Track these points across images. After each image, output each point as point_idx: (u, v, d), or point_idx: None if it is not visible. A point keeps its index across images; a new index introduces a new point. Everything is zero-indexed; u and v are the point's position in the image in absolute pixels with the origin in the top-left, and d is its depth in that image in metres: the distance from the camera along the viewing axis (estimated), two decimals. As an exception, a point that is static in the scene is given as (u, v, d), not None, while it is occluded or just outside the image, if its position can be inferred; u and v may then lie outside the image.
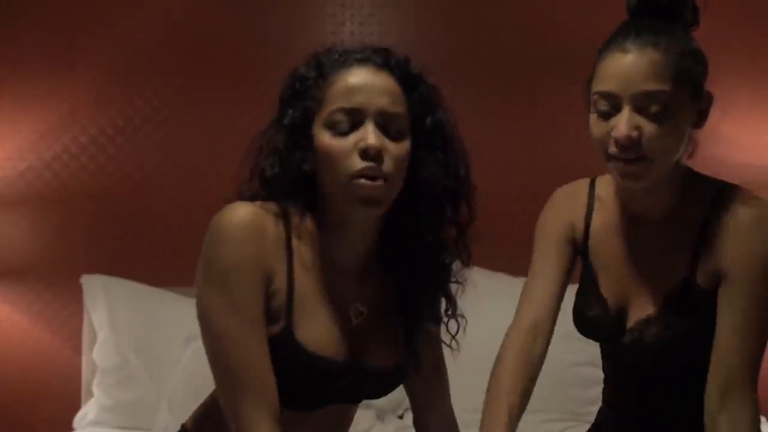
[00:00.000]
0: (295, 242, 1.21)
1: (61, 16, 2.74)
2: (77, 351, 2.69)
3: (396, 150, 1.18)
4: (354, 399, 1.30)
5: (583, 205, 1.53)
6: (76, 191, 2.75)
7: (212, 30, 2.74)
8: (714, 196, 1.42)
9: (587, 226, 1.52)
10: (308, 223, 1.23)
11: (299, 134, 1.20)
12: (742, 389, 1.33)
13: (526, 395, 1.43)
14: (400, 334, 1.30)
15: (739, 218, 1.38)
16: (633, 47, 1.33)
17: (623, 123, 1.32)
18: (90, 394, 2.59)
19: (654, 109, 1.32)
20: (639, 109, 1.33)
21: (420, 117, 1.22)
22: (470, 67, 2.79)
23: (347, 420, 1.34)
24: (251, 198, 1.21)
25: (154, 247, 2.68)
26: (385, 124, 1.18)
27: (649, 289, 1.45)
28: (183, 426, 1.35)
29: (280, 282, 1.18)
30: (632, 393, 1.53)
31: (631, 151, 1.33)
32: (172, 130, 2.75)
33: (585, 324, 1.52)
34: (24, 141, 2.74)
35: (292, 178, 1.20)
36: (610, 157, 1.36)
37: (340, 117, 1.17)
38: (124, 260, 2.71)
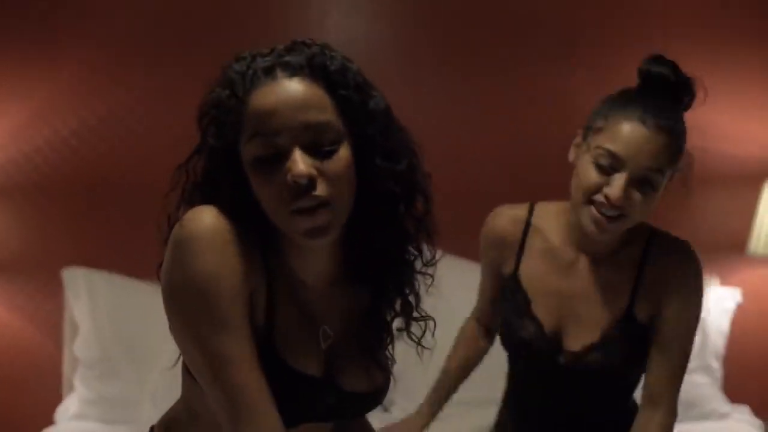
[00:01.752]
0: (267, 250, 1.11)
1: (41, 6, 2.69)
2: (59, 344, 2.67)
3: (332, 167, 1.05)
4: (331, 418, 1.22)
5: (520, 230, 1.68)
6: (58, 184, 2.72)
7: (195, 21, 2.72)
8: (648, 239, 1.62)
9: (521, 249, 1.67)
10: (271, 236, 1.12)
11: (225, 163, 1.08)
12: (668, 401, 1.60)
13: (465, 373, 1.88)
14: (373, 355, 1.23)
15: (671, 264, 1.58)
16: (652, 124, 1.47)
17: (620, 188, 1.47)
18: (71, 388, 2.57)
19: (648, 183, 1.49)
20: (636, 180, 1.48)
21: (353, 115, 1.08)
22: (456, 52, 2.78)
23: None
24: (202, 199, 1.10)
25: (136, 240, 2.62)
26: (315, 139, 1.05)
27: (589, 319, 1.61)
28: (151, 431, 1.29)
29: (260, 292, 1.09)
30: (551, 406, 1.69)
31: (614, 210, 1.49)
32: (155, 122, 2.73)
33: (516, 343, 1.67)
34: (3, 132, 2.70)
35: (238, 202, 1.08)
36: (590, 203, 1.50)
37: (260, 149, 1.04)
38: (106, 253, 2.69)
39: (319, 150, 1.05)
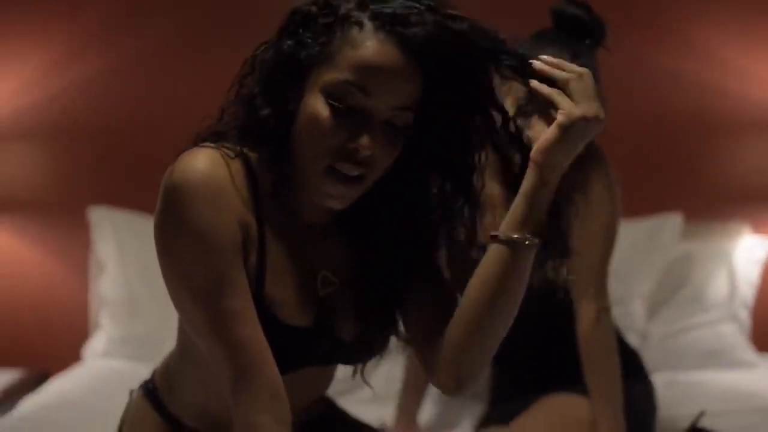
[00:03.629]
0: (262, 193, 1.06)
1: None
2: (85, 283, 2.70)
3: (386, 152, 1.02)
4: (326, 363, 1.19)
5: None
6: (83, 125, 2.73)
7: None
8: None
9: None
10: (273, 173, 1.06)
11: (290, 68, 1.01)
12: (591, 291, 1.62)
13: None
14: (375, 303, 1.16)
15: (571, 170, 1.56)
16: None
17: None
18: (98, 326, 2.60)
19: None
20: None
21: (435, 100, 1.03)
22: None
23: (325, 380, 1.26)
24: (209, 139, 1.06)
25: (160, 180, 2.64)
26: (392, 119, 1.01)
27: None
28: (152, 374, 1.29)
29: (252, 238, 1.05)
30: (518, 343, 1.61)
31: None
32: (181, 64, 2.72)
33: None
34: (31, 74, 2.71)
35: (275, 120, 1.03)
36: None
37: (346, 91, 0.99)
38: (132, 192, 2.68)
39: (389, 125, 1.02)
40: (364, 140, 0.99)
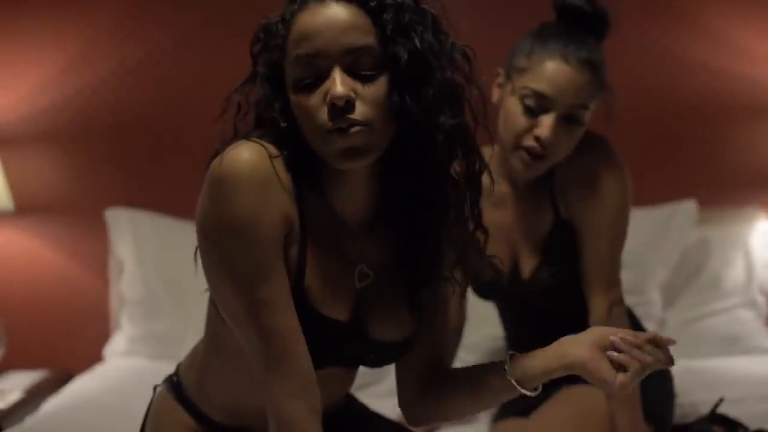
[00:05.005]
0: (304, 188, 1.09)
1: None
2: (106, 284, 2.73)
3: (370, 92, 1.03)
4: (354, 364, 1.23)
5: None
6: (99, 126, 2.75)
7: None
8: None
9: None
10: (309, 170, 1.10)
11: (274, 90, 1.09)
12: (604, 281, 1.60)
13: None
14: (407, 303, 1.20)
15: (578, 159, 1.59)
16: (574, 60, 1.50)
17: (550, 129, 1.51)
18: (119, 325, 2.63)
19: (574, 119, 1.53)
20: (564, 118, 1.51)
21: (394, 45, 1.04)
22: None
23: (347, 383, 1.29)
24: (251, 134, 1.10)
25: (177, 179, 2.66)
26: (355, 62, 1.03)
27: (530, 241, 1.66)
28: (177, 369, 1.32)
29: (295, 231, 1.07)
30: (537, 335, 1.68)
31: (544, 150, 1.52)
32: (193, 62, 2.73)
33: (484, 288, 1.73)
34: (45, 77, 2.73)
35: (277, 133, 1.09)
36: (520, 148, 1.54)
37: (301, 70, 1.04)
38: (148, 193, 2.73)
39: (358, 74, 1.04)
40: (333, 90, 1.02)
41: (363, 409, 1.40)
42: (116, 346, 2.57)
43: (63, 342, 2.79)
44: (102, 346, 2.62)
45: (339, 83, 1.01)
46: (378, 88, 1.04)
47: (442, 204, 1.14)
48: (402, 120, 1.05)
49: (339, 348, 1.15)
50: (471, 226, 1.19)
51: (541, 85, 1.50)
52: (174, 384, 1.30)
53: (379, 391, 1.89)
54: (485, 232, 1.21)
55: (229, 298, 1.06)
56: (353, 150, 1.03)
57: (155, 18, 2.73)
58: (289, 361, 1.05)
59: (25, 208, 2.72)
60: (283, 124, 1.08)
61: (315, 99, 1.03)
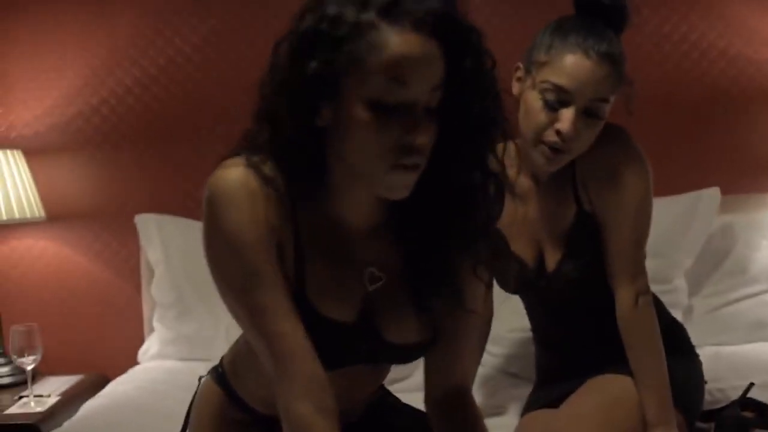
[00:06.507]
0: (297, 201, 1.10)
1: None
2: (138, 288, 2.77)
3: (431, 135, 1.04)
4: (372, 362, 1.23)
5: None
6: (125, 133, 2.80)
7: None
8: None
9: None
10: (310, 181, 1.10)
11: (319, 88, 1.02)
12: (630, 271, 1.61)
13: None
14: (418, 307, 1.19)
15: (598, 150, 1.59)
16: (594, 54, 1.49)
17: (570, 122, 1.51)
18: (152, 329, 2.67)
19: (594, 113, 1.53)
20: (584, 111, 1.52)
21: (462, 93, 1.05)
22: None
23: (375, 377, 1.30)
24: (247, 150, 1.09)
25: (203, 184, 2.69)
26: (431, 101, 1.03)
27: (554, 234, 1.66)
28: (221, 360, 1.37)
29: (287, 239, 1.10)
30: (564, 326, 1.74)
31: (565, 144, 1.53)
32: (214, 67, 2.76)
33: (509, 285, 1.74)
34: (70, 87, 2.78)
35: (300, 138, 1.06)
36: (541, 143, 1.55)
37: (386, 91, 1.00)
38: (175, 197, 2.76)
39: (429, 111, 1.03)
40: (416, 132, 1.02)
41: (396, 402, 1.43)
42: (149, 349, 2.62)
43: (98, 346, 2.84)
44: (136, 349, 2.66)
45: (420, 130, 1.02)
46: (435, 129, 1.05)
47: (457, 220, 1.13)
48: (443, 156, 1.07)
49: (351, 348, 1.16)
50: (488, 241, 1.18)
51: (561, 79, 1.51)
52: (218, 373, 1.36)
53: (410, 384, 1.90)
54: (505, 241, 1.21)
55: (231, 304, 1.11)
56: (401, 190, 1.06)
57: (175, 26, 2.77)
58: (293, 363, 1.07)
59: (55, 216, 2.77)
60: (318, 124, 1.05)
61: (388, 124, 1.01)
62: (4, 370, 2.62)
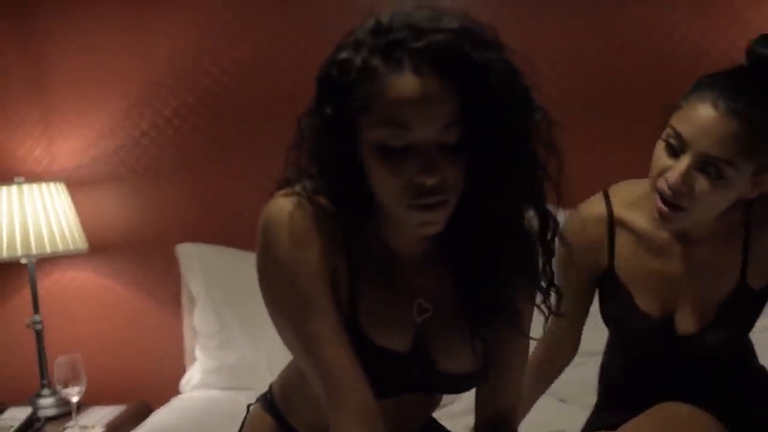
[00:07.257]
0: (349, 230, 1.11)
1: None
2: (179, 318, 2.79)
3: (456, 171, 1.01)
4: (425, 391, 1.22)
5: (604, 227, 1.57)
6: (165, 163, 2.83)
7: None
8: (744, 208, 1.51)
9: (611, 245, 1.57)
10: (359, 212, 1.10)
11: (339, 130, 1.03)
12: None
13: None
14: (469, 338, 1.18)
15: None
16: (723, 107, 1.35)
17: (678, 173, 1.38)
18: (194, 358, 2.68)
19: (711, 170, 1.37)
20: (698, 165, 1.37)
21: (482, 124, 1.00)
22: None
23: (426, 406, 1.29)
24: (298, 179, 1.10)
25: (243, 213, 2.72)
26: (447, 139, 1.00)
27: (698, 298, 1.54)
28: (270, 387, 1.37)
29: (341, 269, 1.10)
30: (672, 382, 1.63)
31: (675, 198, 1.40)
32: (251, 96, 2.78)
33: (626, 336, 1.66)
34: (111, 120, 2.83)
35: (342, 175, 1.06)
36: (655, 189, 1.43)
37: (391, 138, 0.99)
38: (216, 226, 2.77)
39: (445, 147, 1.00)
40: (429, 173, 0.99)
41: (442, 429, 1.41)
42: (192, 378, 2.62)
43: (140, 376, 2.85)
44: (178, 379, 2.67)
45: (430, 170, 0.99)
46: (458, 165, 1.02)
47: (505, 255, 1.12)
48: (477, 192, 1.05)
49: (404, 377, 1.16)
50: (544, 283, 1.15)
51: (683, 127, 1.39)
52: (267, 401, 1.35)
53: (454, 410, 1.88)
54: (558, 291, 1.17)
55: (284, 331, 1.11)
56: (429, 225, 1.05)
57: (212, 56, 2.80)
58: (344, 391, 1.06)
59: (98, 248, 2.80)
60: (335, 170, 1.07)
61: (401, 168, 1.00)
62: (49, 401, 2.64)
